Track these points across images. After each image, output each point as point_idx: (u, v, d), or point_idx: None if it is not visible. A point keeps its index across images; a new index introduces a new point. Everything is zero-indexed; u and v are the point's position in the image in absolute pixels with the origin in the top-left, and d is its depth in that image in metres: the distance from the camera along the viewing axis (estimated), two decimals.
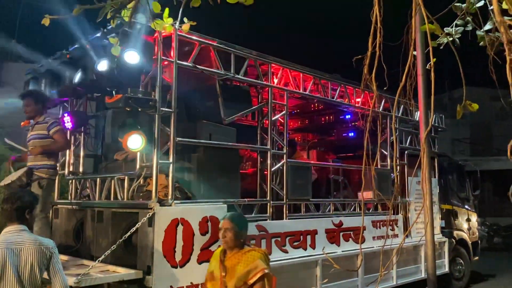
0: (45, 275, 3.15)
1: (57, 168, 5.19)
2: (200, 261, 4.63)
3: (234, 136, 5.46)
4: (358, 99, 7.32)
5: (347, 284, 6.20)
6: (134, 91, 4.16)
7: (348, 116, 8.64)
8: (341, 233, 6.44)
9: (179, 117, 4.76)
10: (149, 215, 4.32)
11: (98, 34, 4.50)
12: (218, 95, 5.24)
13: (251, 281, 3.19)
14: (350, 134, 9.05)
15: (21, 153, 5.19)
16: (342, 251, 6.33)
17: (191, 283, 4.54)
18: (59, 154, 5.25)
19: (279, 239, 5.57)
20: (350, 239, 6.53)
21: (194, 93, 5.35)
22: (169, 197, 4.55)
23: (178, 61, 4.72)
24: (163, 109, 4.54)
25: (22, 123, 5.27)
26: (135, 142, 4.26)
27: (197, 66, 4.94)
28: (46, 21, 2.38)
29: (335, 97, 6.81)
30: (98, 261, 4.26)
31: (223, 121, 5.28)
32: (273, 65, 5.85)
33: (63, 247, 5.35)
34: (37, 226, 4.54)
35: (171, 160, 4.58)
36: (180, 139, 4.72)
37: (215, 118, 5.27)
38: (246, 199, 5.47)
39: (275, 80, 5.91)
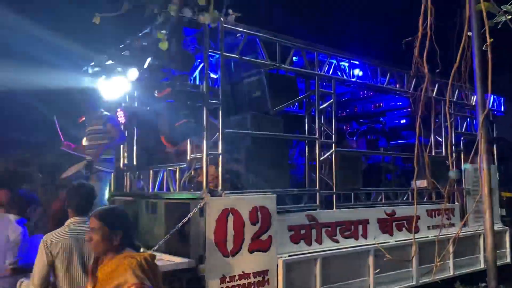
0: None
1: (113, 161, 5.41)
2: (251, 250, 4.69)
3: (281, 126, 5.45)
4: (409, 85, 7.08)
5: (401, 274, 6.06)
6: (183, 85, 4.25)
7: (399, 103, 8.39)
8: (394, 223, 6.29)
9: (227, 108, 4.81)
10: (200, 205, 4.41)
11: (147, 30, 4.62)
12: (265, 85, 5.24)
13: None
14: (401, 121, 8.78)
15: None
16: (395, 241, 6.18)
17: (243, 272, 4.61)
18: (114, 147, 5.46)
19: (329, 228, 5.53)
20: (404, 228, 6.36)
21: (242, 85, 5.38)
22: (219, 187, 4.62)
23: (224, 53, 4.76)
24: (212, 101, 4.61)
25: (80, 118, 5.52)
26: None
27: (243, 57, 4.97)
28: (97, 20, 2.47)
29: (385, 83, 6.63)
30: (153, 250, 4.41)
31: (270, 112, 5.29)
32: (319, 53, 5.77)
33: None
34: None
35: (220, 151, 4.64)
36: (228, 130, 4.77)
37: (262, 108, 5.29)
38: (294, 189, 5.47)
39: (322, 68, 5.83)
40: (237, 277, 4.57)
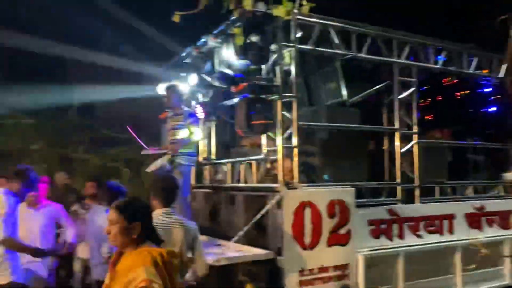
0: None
1: (195, 155, 5.61)
2: (329, 244, 4.63)
3: (358, 117, 5.31)
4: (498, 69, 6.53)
5: (492, 273, 5.65)
6: (258, 79, 4.28)
7: (487, 89, 7.78)
8: (484, 218, 5.86)
9: (301, 101, 4.78)
10: (277, 198, 4.43)
11: (222, 27, 4.72)
12: (340, 76, 5.12)
13: None
14: (490, 109, 8.15)
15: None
16: (486, 237, 5.77)
17: (322, 265, 4.57)
18: (195, 142, 5.65)
19: (412, 223, 5.29)
20: (495, 224, 5.91)
21: (315, 77, 5.32)
22: (296, 180, 4.61)
23: (298, 45, 4.72)
24: (285, 94, 4.60)
25: (161, 115, 5.77)
26: None
27: (317, 48, 4.89)
28: (176, 18, 2.56)
29: (471, 69, 6.18)
30: (233, 241, 4.51)
31: (346, 102, 5.17)
32: (398, 39, 5.51)
33: (201, 228, 5.76)
34: (179, 209, 4.98)
35: (294, 144, 4.63)
36: (302, 123, 4.74)
37: (337, 99, 5.18)
38: (374, 182, 5.30)
39: (402, 55, 5.56)
40: (316, 270, 4.54)
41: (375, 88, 5.63)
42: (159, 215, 3.34)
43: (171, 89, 5.39)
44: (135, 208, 2.55)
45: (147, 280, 2.23)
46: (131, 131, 5.47)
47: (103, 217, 4.44)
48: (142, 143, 5.43)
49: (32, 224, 4.64)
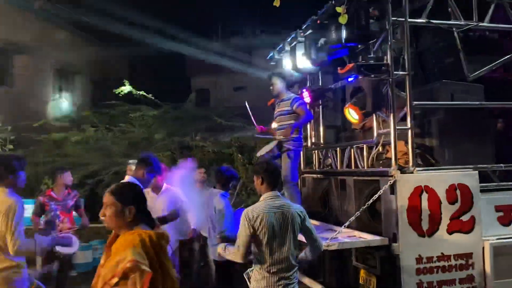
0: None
1: (302, 140, 5.61)
2: (450, 231, 4.34)
3: (482, 93, 4.81)
4: None
5: None
6: (365, 58, 4.11)
7: None
8: None
9: (415, 79, 4.48)
10: (390, 182, 4.25)
11: (326, 7, 4.60)
12: (459, 49, 4.68)
13: (113, 281, 2.28)
14: None
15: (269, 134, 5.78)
16: None
17: (442, 253, 4.30)
18: (302, 126, 5.65)
19: None
20: None
21: (430, 52, 4.93)
22: (410, 164, 4.37)
23: (409, 19, 4.42)
24: (397, 72, 4.35)
25: (268, 102, 5.87)
26: (352, 114, 4.29)
27: (432, 21, 4.52)
28: (277, 2, 2.56)
29: None
30: (344, 226, 4.45)
31: (467, 78, 4.71)
32: None
33: (312, 213, 5.79)
34: (287, 193, 5.05)
35: (409, 125, 4.37)
36: (417, 102, 4.44)
37: (457, 76, 4.75)
38: (502, 165, 4.79)
39: None
40: (435, 258, 4.29)
41: (501, 60, 5.03)
42: (268, 198, 3.42)
43: (275, 75, 5.44)
44: (129, 190, 2.59)
45: (134, 260, 2.27)
46: (247, 108, 5.61)
47: (217, 200, 4.70)
48: (254, 121, 5.56)
49: (155, 208, 5.03)
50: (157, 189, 5.46)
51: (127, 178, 4.44)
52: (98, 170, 9.50)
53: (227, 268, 4.59)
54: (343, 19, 3.14)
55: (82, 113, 12.43)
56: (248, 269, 3.56)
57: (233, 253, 3.49)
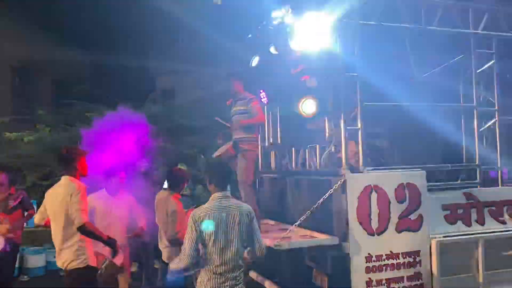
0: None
1: (258, 140, 5.61)
2: (399, 230, 4.45)
3: (430, 94, 4.96)
4: None
5: None
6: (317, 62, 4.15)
7: None
8: None
9: (365, 79, 4.56)
10: (340, 182, 4.31)
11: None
12: (408, 51, 4.81)
13: None
14: None
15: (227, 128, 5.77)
16: None
17: (391, 251, 4.40)
18: (259, 127, 5.65)
19: (493, 208, 4.88)
20: None
21: (380, 53, 5.02)
22: (360, 163, 4.44)
23: (360, 22, 4.50)
24: (348, 73, 4.41)
25: (227, 102, 5.84)
26: (308, 107, 4.31)
27: (383, 23, 4.62)
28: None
29: None
30: (295, 225, 4.47)
31: (415, 78, 4.85)
32: (474, 8, 5.03)
33: (269, 213, 5.83)
34: (243, 193, 5.04)
35: (359, 125, 4.44)
36: (367, 103, 4.53)
37: (405, 76, 4.87)
38: (449, 165, 4.94)
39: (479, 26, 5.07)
40: (384, 257, 4.39)
41: (448, 62, 5.20)
42: (216, 198, 3.40)
43: (233, 75, 5.42)
44: None
45: None
46: (220, 121, 5.52)
47: (171, 202, 4.63)
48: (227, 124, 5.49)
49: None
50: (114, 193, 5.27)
51: None
52: (54, 171, 9.21)
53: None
54: None
55: (39, 112, 12.02)
56: (195, 270, 3.53)
57: (178, 258, 3.45)
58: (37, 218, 4.19)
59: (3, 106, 13.33)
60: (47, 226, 4.09)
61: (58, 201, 3.90)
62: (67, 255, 3.91)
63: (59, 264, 4.01)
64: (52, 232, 4.02)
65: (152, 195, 5.48)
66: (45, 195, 4.07)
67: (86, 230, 3.85)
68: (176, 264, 3.49)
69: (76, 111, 11.31)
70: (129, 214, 5.12)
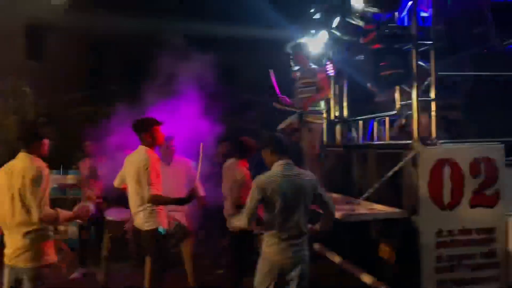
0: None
1: (323, 113, 5.57)
2: (473, 205, 4.26)
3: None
4: None
5: None
6: (389, 27, 4.01)
7: None
8: None
9: (441, 49, 4.34)
10: (411, 155, 4.19)
11: None
12: (489, 17, 4.49)
13: None
14: None
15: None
16: None
17: (463, 227, 4.24)
18: (324, 99, 5.60)
19: None
20: None
21: (458, 21, 4.74)
22: (433, 136, 4.28)
23: None
24: (422, 42, 4.22)
25: (292, 75, 5.82)
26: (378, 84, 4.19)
27: None
28: None
29: None
30: (363, 198, 4.43)
31: (497, 48, 4.53)
32: None
33: (334, 187, 5.80)
34: (307, 164, 5.06)
35: (432, 96, 4.26)
36: (441, 73, 4.32)
37: (486, 45, 4.57)
38: None
39: None
40: (456, 232, 4.24)
41: None
42: (280, 166, 3.43)
43: (296, 48, 5.38)
44: None
45: None
46: (272, 77, 5.54)
47: (238, 170, 4.75)
48: (278, 91, 5.50)
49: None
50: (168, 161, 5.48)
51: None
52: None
53: (243, 239, 4.65)
54: None
55: (112, 88, 12.62)
56: (260, 236, 3.62)
57: (238, 219, 3.55)
58: (116, 182, 4.48)
59: (81, 81, 14.20)
60: (125, 189, 4.36)
61: (133, 169, 4.15)
62: (140, 218, 4.18)
63: (135, 224, 4.29)
64: (128, 196, 4.29)
65: (217, 168, 5.67)
66: (125, 160, 4.33)
67: (155, 201, 4.09)
68: (237, 222, 3.61)
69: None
70: (186, 181, 5.32)
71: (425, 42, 4.26)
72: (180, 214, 4.80)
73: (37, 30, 13.64)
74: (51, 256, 3.50)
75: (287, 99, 5.53)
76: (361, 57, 5.19)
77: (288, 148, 3.56)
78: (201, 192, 5.52)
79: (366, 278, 4.69)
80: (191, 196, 4.34)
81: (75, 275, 6.14)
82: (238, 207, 4.51)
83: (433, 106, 4.29)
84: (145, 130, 4.24)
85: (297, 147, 4.15)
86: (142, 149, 4.23)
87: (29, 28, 12.97)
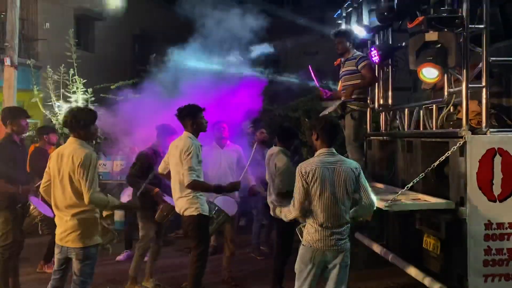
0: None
1: (368, 101, 5.44)
2: None
3: None
4: None
5: None
6: (437, 10, 3.84)
7: None
8: None
9: (493, 33, 4.12)
10: (459, 144, 4.03)
11: None
12: None
13: None
14: None
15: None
16: None
17: None
18: (369, 87, 5.47)
19: None
20: None
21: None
22: (483, 125, 4.09)
23: None
24: (473, 26, 4.02)
25: (335, 62, 5.72)
26: (429, 73, 4.01)
27: None
28: None
29: None
30: (407, 187, 4.31)
31: None
32: None
33: (377, 176, 5.69)
34: (350, 153, 4.98)
35: (483, 83, 4.06)
36: (494, 58, 4.10)
37: None
38: None
39: None
40: (506, 225, 4.05)
41: None
42: (323, 154, 3.41)
43: (340, 33, 5.27)
44: None
45: None
46: (311, 72, 5.53)
47: (278, 158, 4.75)
48: (318, 85, 5.47)
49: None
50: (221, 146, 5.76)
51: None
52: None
53: (286, 225, 4.66)
54: None
55: None
56: (300, 225, 3.61)
57: (289, 211, 3.55)
58: (160, 167, 4.59)
59: (126, 71, 14.65)
60: (168, 175, 4.46)
61: (175, 155, 4.24)
62: (182, 203, 4.27)
63: (176, 210, 4.39)
64: (171, 181, 4.39)
65: (261, 155, 5.70)
66: (169, 146, 4.44)
67: (194, 187, 4.18)
68: (288, 215, 3.61)
69: None
70: (237, 168, 5.61)
71: (477, 26, 4.04)
72: (222, 200, 4.87)
73: (86, 21, 14.20)
74: (98, 237, 3.65)
75: (328, 92, 5.46)
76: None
77: (336, 135, 3.51)
78: (252, 181, 5.71)
79: (410, 270, 4.59)
80: (234, 186, 4.42)
81: (121, 257, 6.38)
82: (281, 194, 4.52)
83: (484, 93, 4.09)
84: (188, 116, 4.32)
85: (340, 135, 4.07)
86: (185, 135, 4.31)
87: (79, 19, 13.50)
